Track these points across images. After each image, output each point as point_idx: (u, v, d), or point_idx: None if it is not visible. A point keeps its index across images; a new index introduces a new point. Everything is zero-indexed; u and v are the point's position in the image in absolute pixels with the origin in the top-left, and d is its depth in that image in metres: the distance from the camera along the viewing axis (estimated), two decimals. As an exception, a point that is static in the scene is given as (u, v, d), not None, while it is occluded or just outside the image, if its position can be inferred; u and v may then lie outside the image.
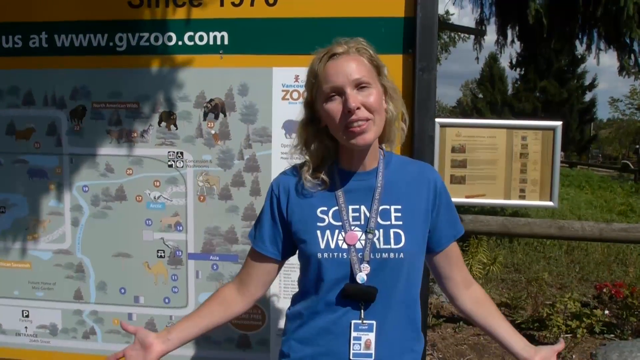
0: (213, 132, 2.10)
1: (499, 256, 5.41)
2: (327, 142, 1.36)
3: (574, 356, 3.69)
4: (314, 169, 1.37)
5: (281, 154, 2.07)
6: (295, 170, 1.41)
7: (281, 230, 1.40)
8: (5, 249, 2.26)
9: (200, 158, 2.12)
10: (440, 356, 3.75)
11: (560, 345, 1.40)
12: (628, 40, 6.41)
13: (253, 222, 1.54)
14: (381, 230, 1.31)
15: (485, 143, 3.13)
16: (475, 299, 1.47)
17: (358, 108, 1.23)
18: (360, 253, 1.30)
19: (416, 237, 1.34)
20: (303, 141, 1.38)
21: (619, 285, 4.22)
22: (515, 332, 1.42)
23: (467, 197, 3.18)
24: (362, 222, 1.32)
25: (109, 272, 2.20)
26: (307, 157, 1.38)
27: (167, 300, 2.18)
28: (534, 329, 4.08)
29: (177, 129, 2.12)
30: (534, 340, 3.93)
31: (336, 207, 1.34)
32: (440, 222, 1.40)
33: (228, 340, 2.16)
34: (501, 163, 3.13)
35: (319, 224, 1.33)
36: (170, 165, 2.13)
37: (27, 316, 2.28)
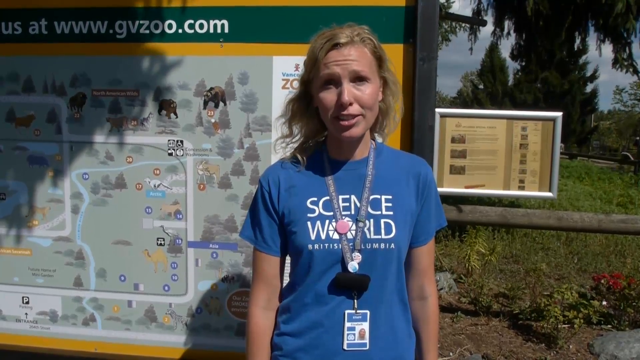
0: (213, 120, 2.10)
1: (498, 247, 5.43)
2: (314, 122, 1.36)
3: (571, 346, 3.71)
4: (296, 149, 1.38)
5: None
6: (282, 163, 1.40)
7: (278, 225, 1.37)
8: (5, 235, 2.27)
9: (200, 146, 2.12)
10: (438, 346, 3.77)
11: None
12: (624, 33, 6.36)
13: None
14: (372, 220, 1.30)
15: (485, 133, 3.13)
16: (419, 317, 1.44)
17: (351, 104, 1.22)
18: (351, 242, 1.28)
19: (406, 228, 1.33)
20: (290, 114, 1.38)
21: (616, 277, 4.23)
22: None
23: (466, 187, 3.19)
24: (353, 212, 1.31)
25: (109, 259, 2.21)
26: (288, 132, 1.39)
27: (166, 288, 2.20)
28: (532, 319, 4.10)
29: (177, 117, 2.12)
30: (531, 330, 3.95)
31: (327, 197, 1.32)
32: (422, 217, 1.38)
33: (227, 328, 2.18)
34: (501, 153, 3.13)
35: (309, 215, 1.31)
36: (170, 154, 2.14)
37: (27, 302, 2.29)
